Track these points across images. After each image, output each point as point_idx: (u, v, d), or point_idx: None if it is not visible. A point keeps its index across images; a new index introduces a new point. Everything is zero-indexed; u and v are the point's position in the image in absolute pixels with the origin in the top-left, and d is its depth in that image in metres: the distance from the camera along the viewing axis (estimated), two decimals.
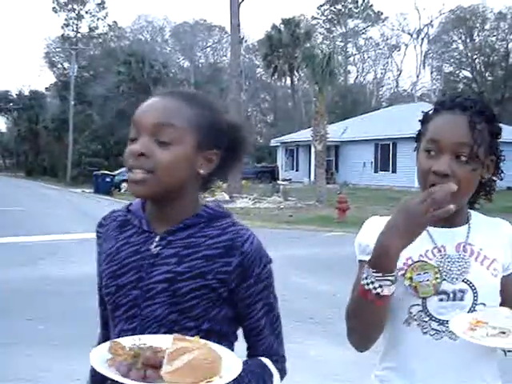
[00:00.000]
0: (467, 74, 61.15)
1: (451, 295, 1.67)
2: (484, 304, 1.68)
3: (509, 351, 1.65)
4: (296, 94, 58.56)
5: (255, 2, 55.51)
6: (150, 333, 1.47)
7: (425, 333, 1.67)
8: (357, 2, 66.40)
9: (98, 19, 62.24)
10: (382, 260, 1.49)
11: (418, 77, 61.85)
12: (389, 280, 1.49)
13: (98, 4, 61.93)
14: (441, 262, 1.68)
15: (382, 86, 66.92)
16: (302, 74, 53.71)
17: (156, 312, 1.50)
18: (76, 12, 61.60)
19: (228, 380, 1.26)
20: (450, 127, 1.66)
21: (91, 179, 36.65)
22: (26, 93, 61.79)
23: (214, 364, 1.27)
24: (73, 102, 49.90)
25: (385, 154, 35.26)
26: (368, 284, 1.50)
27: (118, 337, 1.47)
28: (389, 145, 34.42)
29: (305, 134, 35.66)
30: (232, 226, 1.56)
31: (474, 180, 1.68)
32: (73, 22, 61.83)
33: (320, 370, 5.43)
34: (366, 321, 1.58)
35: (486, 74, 59.38)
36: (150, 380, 1.24)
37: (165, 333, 1.45)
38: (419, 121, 1.80)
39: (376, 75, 66.22)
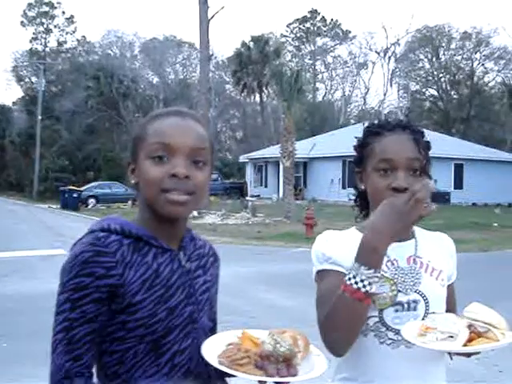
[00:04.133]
0: (433, 92, 62.15)
1: (406, 306, 1.76)
2: (434, 312, 1.77)
3: (456, 354, 1.75)
4: (265, 111, 58.80)
5: (225, 19, 55.86)
6: (201, 343, 1.54)
7: (381, 343, 1.74)
8: (325, 20, 67.17)
9: (66, 33, 61.91)
10: (373, 258, 1.56)
11: (385, 94, 62.65)
12: (377, 277, 1.56)
13: (67, 18, 61.62)
14: (395, 274, 1.77)
15: (350, 104, 67.59)
16: (271, 91, 53.99)
17: (204, 322, 1.63)
18: (44, 26, 61.16)
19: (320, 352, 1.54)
20: (399, 145, 1.78)
21: (58, 194, 36.28)
22: None
23: (308, 342, 1.53)
24: (40, 117, 49.40)
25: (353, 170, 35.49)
26: (357, 283, 1.56)
27: (171, 360, 1.53)
28: None
29: (273, 151, 35.76)
30: (199, 236, 1.76)
31: None
32: (41, 36, 61.38)
33: None
34: (350, 323, 1.62)
35: (452, 93, 60.41)
36: (296, 371, 1.44)
37: (206, 338, 1.57)
38: (357, 146, 1.89)
39: (344, 93, 66.90)
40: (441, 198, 34.27)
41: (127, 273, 1.47)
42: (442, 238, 1.98)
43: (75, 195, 34.03)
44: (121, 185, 37.72)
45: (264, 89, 55.95)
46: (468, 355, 1.76)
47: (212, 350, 1.48)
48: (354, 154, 1.92)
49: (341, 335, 1.65)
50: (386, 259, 1.74)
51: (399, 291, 1.76)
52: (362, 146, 1.86)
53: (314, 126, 54.04)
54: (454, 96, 60.27)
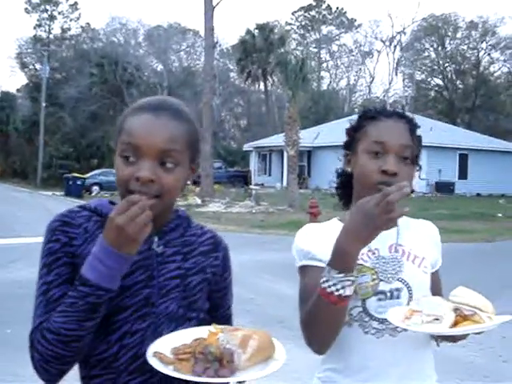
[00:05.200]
0: (439, 81, 61.95)
1: (388, 294, 1.76)
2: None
3: (443, 339, 1.76)
4: (269, 99, 58.69)
5: (229, 6, 55.61)
6: (163, 329, 1.53)
7: (366, 332, 1.75)
8: (330, 8, 66.90)
9: (70, 20, 61.67)
10: (344, 261, 1.53)
11: (390, 84, 62.47)
12: (350, 280, 1.53)
13: (71, 5, 61.40)
14: (376, 263, 1.77)
15: (355, 93, 67.45)
16: (276, 80, 53.91)
17: (169, 308, 1.57)
18: (48, 13, 60.96)
19: (284, 359, 1.43)
20: (394, 130, 1.78)
21: (62, 182, 36.32)
22: None
23: (271, 344, 1.44)
24: (44, 104, 49.38)
25: None
26: (330, 286, 1.53)
27: (120, 340, 1.51)
28: None
29: (278, 139, 35.76)
30: (203, 226, 1.75)
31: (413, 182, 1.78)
32: (45, 23, 61.18)
33: (289, 374, 5.45)
34: (329, 323, 1.61)
35: (457, 82, 60.20)
36: (228, 372, 1.34)
37: (175, 327, 1.55)
38: (350, 128, 1.89)
39: (349, 81, 66.78)
40: (445, 188, 34.27)
41: (84, 246, 1.53)
42: (426, 225, 1.98)
43: (79, 182, 34.07)
44: None
45: (268, 77, 55.85)
46: (454, 340, 1.77)
47: (171, 341, 1.45)
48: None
49: (319, 335, 1.64)
50: (366, 249, 1.73)
51: (381, 280, 1.75)
52: (356, 128, 1.86)
53: (318, 114, 53.94)
54: (460, 86, 60.08)
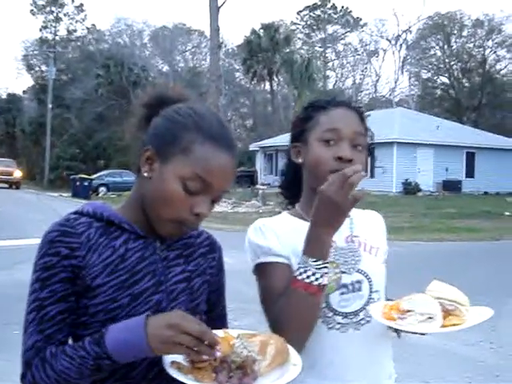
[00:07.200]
0: (445, 80, 61.77)
1: (350, 287, 1.74)
2: (378, 291, 1.77)
3: (408, 332, 1.68)
4: (275, 99, 58.64)
5: (235, 6, 55.58)
6: None
7: (330, 328, 1.72)
8: (336, 7, 66.80)
9: (76, 22, 61.80)
10: (319, 249, 1.54)
11: (396, 82, 62.34)
12: (326, 267, 1.55)
13: (77, 7, 61.51)
14: (335, 255, 1.73)
15: (361, 92, 67.31)
16: (281, 79, 53.90)
17: None
18: (54, 14, 61.09)
19: (300, 363, 1.42)
20: (346, 118, 1.77)
21: (69, 183, 36.41)
22: (3, 96, 61.16)
23: (286, 349, 1.43)
24: (50, 106, 49.52)
25: None
26: (309, 276, 1.54)
27: None
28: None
29: (284, 139, 35.49)
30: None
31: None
32: (51, 25, 61.30)
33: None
34: (306, 318, 1.59)
35: (463, 81, 60.02)
36: (251, 380, 1.34)
37: None
38: (299, 119, 1.86)
39: (355, 80, 66.67)
40: (452, 186, 34.17)
41: (90, 255, 1.45)
42: (374, 215, 1.97)
43: (86, 183, 34.12)
44: (131, 173, 37.70)
45: (274, 77, 55.76)
46: (423, 333, 1.73)
47: None
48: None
49: (296, 332, 1.59)
50: None
51: (344, 272, 1.74)
52: (305, 119, 1.82)
53: None
54: (466, 84, 59.88)
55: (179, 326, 1.29)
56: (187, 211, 1.44)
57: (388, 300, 1.78)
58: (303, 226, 1.64)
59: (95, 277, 1.46)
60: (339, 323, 1.72)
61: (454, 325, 1.58)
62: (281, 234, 1.74)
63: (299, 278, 1.54)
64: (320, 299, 1.58)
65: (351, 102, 1.88)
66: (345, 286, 1.73)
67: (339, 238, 1.74)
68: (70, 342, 1.48)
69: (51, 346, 1.42)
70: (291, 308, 1.57)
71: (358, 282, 1.75)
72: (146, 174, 1.48)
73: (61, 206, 27.55)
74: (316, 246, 1.54)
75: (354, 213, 1.84)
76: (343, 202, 1.49)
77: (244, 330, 1.50)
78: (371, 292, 1.76)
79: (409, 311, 1.61)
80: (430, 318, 1.59)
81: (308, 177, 1.81)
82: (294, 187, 1.92)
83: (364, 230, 1.85)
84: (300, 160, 1.81)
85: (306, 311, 1.57)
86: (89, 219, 1.51)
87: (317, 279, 1.53)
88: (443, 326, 1.58)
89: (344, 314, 1.72)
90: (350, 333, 1.72)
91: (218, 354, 1.31)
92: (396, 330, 1.74)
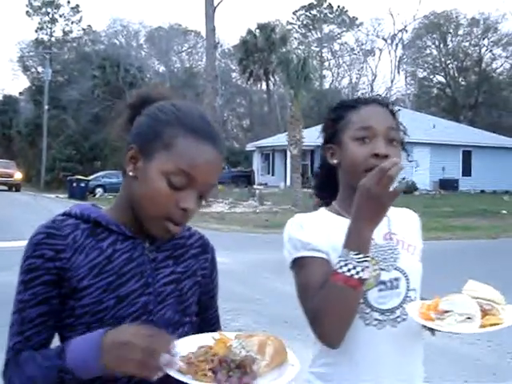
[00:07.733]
0: (441, 78, 61.83)
1: (388, 284, 1.74)
2: (415, 289, 1.78)
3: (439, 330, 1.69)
4: (271, 99, 58.66)
5: (230, 6, 55.53)
6: None
7: (367, 324, 1.72)
8: (332, 7, 66.82)
9: (72, 23, 61.66)
10: (360, 244, 1.54)
11: (392, 82, 62.32)
12: (367, 261, 1.55)
13: (72, 8, 61.40)
14: (374, 252, 1.72)
15: (357, 91, 67.22)
16: (278, 79, 53.84)
17: (166, 315, 1.52)
18: (50, 16, 60.97)
19: (298, 363, 1.41)
20: (378, 115, 1.77)
21: (65, 184, 36.33)
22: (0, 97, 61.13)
23: (284, 349, 1.42)
24: (47, 107, 49.42)
25: None
26: (349, 270, 1.53)
27: None
28: None
29: (280, 139, 35.72)
30: (189, 227, 1.66)
31: None
32: (47, 26, 61.19)
33: (298, 374, 5.44)
34: (345, 312, 1.59)
35: (460, 79, 60.07)
36: (251, 379, 1.32)
37: (171, 333, 1.45)
38: (330, 120, 1.86)
39: (351, 80, 66.63)
40: (449, 185, 34.21)
41: (76, 257, 1.44)
42: (410, 213, 1.97)
43: (82, 185, 34.04)
44: None
45: (270, 77, 55.83)
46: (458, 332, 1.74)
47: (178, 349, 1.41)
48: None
49: (335, 326, 1.60)
50: None
51: (381, 269, 1.73)
52: (336, 120, 1.83)
53: (320, 113, 53.81)
54: (462, 83, 59.94)
55: (129, 343, 1.27)
56: (174, 207, 1.42)
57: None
58: (342, 223, 1.67)
59: (81, 278, 1.44)
60: (376, 319, 1.72)
61: (492, 324, 1.59)
62: (321, 229, 1.74)
63: (339, 271, 1.54)
64: (359, 293, 1.58)
65: (381, 98, 1.89)
66: (383, 282, 1.73)
67: (378, 235, 1.74)
68: (59, 343, 1.46)
69: (28, 350, 1.42)
70: (331, 302, 1.57)
71: (396, 279, 1.75)
72: (130, 174, 1.47)
73: (57, 207, 27.51)
74: (357, 240, 1.54)
75: (391, 211, 1.82)
76: (383, 195, 1.50)
77: (241, 330, 1.50)
78: (408, 290, 1.76)
79: (447, 312, 1.62)
80: (469, 318, 1.59)
81: (345, 176, 1.81)
82: (328, 188, 1.92)
83: (401, 228, 1.85)
84: (335, 161, 1.82)
85: (346, 305, 1.57)
86: (76, 221, 1.49)
87: (357, 273, 1.53)
88: (482, 326, 1.59)
89: (381, 310, 1.72)
90: (387, 330, 1.72)
91: (161, 374, 1.28)
92: (430, 329, 1.75)
